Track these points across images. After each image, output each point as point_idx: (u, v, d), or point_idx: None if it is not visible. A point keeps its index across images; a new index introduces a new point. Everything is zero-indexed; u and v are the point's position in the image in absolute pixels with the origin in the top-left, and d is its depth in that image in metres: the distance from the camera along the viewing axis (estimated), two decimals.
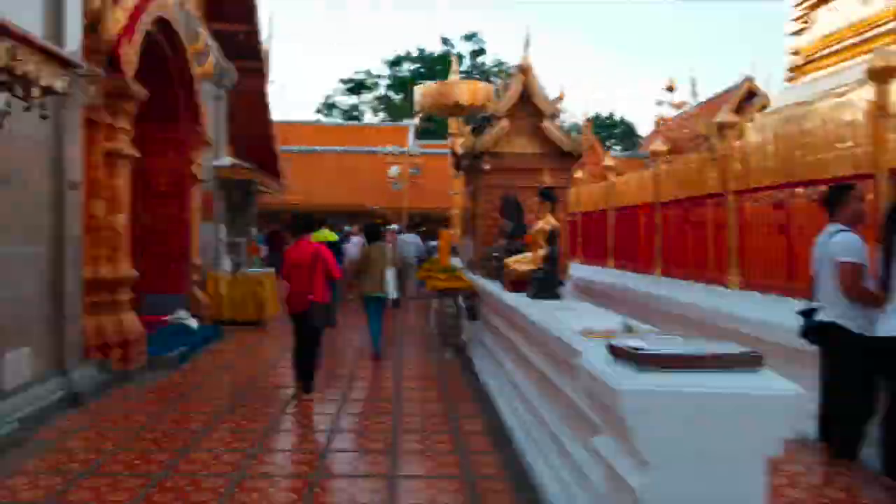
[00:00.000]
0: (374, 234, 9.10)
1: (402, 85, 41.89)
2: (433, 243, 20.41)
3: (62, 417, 5.53)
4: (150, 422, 5.48)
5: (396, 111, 40.50)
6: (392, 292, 8.64)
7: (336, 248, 10.75)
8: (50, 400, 5.59)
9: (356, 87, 43.54)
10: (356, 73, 44.49)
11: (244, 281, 11.01)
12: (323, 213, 26.44)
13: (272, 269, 12.49)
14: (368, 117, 42.26)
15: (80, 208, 6.34)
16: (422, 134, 32.56)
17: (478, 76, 37.44)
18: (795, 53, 9.33)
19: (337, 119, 41.06)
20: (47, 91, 4.66)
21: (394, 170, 23.71)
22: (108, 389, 6.42)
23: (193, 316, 9.75)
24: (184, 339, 8.68)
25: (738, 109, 13.67)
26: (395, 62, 42.70)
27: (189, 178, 10.06)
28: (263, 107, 15.08)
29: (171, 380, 7.02)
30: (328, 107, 43.93)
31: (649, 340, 2.59)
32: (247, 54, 13.88)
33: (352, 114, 42.97)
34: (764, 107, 12.00)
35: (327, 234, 12.24)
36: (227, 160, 12.89)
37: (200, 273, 10.51)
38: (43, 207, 5.74)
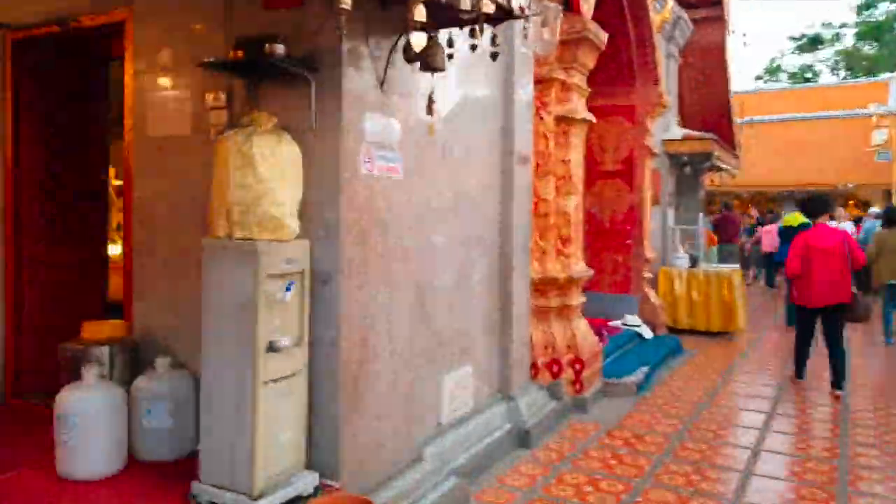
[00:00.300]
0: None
1: (876, 32, 33.65)
2: None
3: (506, 465, 4.16)
4: (631, 497, 3.69)
5: (866, 66, 32.70)
6: None
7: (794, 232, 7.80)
8: (493, 438, 4.28)
9: (810, 42, 36.66)
10: (808, 27, 37.66)
11: (707, 279, 8.74)
12: (772, 194, 22.43)
13: (737, 266, 9.94)
14: (825, 78, 35.18)
15: (529, 189, 4.96)
16: None
17: None
18: None
19: (783, 84, 35.20)
20: (492, 18, 3.18)
21: (878, 135, 18.32)
22: (558, 425, 4.93)
23: (644, 322, 7.93)
24: (639, 353, 6.89)
25: None
26: (866, 6, 34.48)
27: (642, 152, 8.24)
28: (720, 64, 12.44)
29: (636, 417, 5.21)
30: (770, 72, 38.08)
31: None
32: (699, 2, 11.48)
33: (802, 76, 36.38)
34: None
35: (797, 217, 9.16)
36: (678, 131, 10.75)
37: (651, 269, 8.63)
38: (489, 187, 4.46)
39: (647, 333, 7.65)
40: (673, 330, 8.64)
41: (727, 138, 13.39)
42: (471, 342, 4.25)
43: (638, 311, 8.07)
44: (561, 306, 5.39)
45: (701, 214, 12.98)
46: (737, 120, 14.58)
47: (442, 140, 3.79)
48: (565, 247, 5.42)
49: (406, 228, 3.44)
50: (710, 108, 13.11)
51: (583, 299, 5.63)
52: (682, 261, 8.99)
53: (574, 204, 5.48)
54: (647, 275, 8.36)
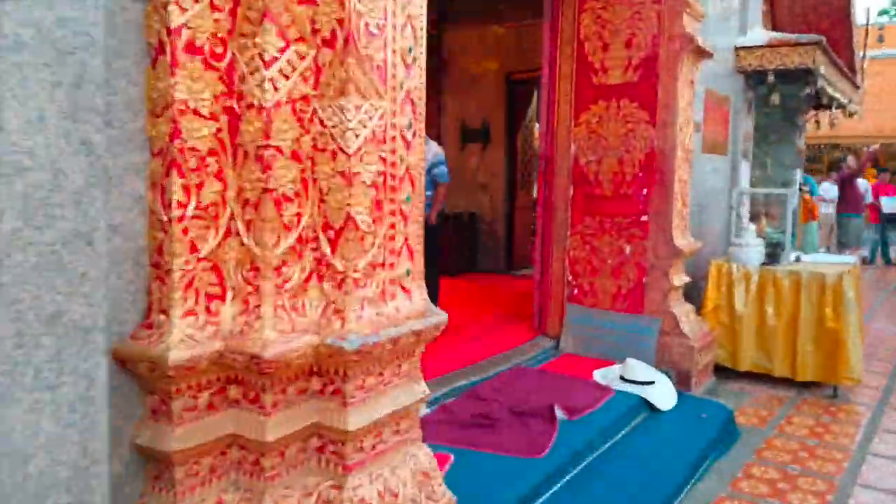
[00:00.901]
0: None
1: None
2: None
3: None
4: None
5: None
6: None
7: None
8: None
9: None
10: None
11: (794, 285, 4.75)
12: None
13: (852, 259, 5.84)
14: None
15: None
16: None
17: None
18: None
19: None
20: None
21: None
22: None
23: (666, 372, 4.16)
24: (627, 465, 3.16)
25: None
26: None
27: (675, 46, 4.32)
28: None
29: None
30: None
31: None
32: None
33: None
34: None
35: None
36: (761, 34, 6.58)
37: (687, 267, 4.76)
38: None
39: (664, 401, 3.87)
40: (726, 373, 4.79)
41: (844, 58, 8.95)
42: None
43: (655, 348, 4.31)
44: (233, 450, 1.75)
45: (798, 171, 8.72)
46: (860, 53, 10.10)
47: None
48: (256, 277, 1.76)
49: None
50: (817, 9, 8.74)
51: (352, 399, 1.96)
52: (752, 251, 4.97)
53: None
54: (679, 279, 4.51)
